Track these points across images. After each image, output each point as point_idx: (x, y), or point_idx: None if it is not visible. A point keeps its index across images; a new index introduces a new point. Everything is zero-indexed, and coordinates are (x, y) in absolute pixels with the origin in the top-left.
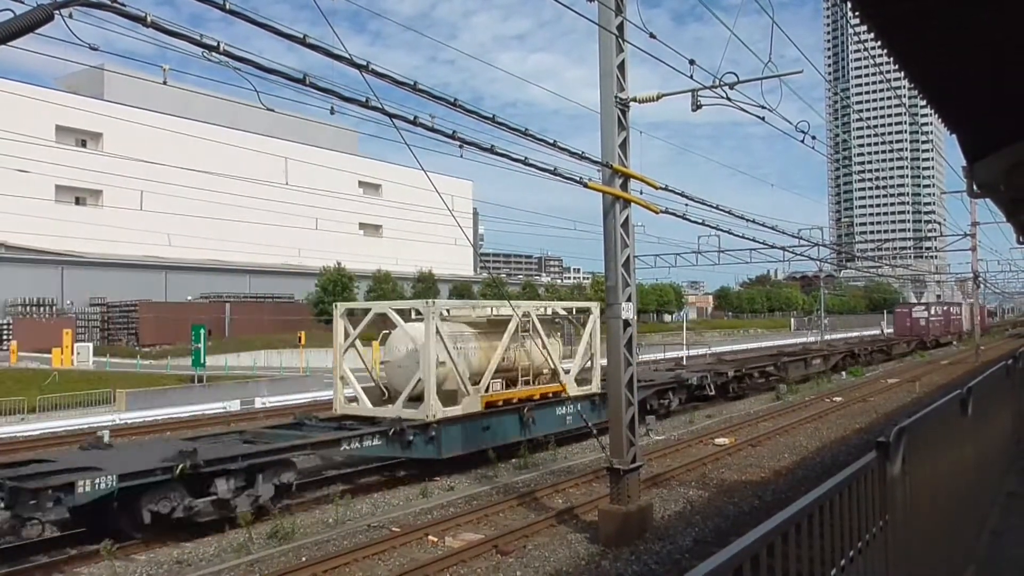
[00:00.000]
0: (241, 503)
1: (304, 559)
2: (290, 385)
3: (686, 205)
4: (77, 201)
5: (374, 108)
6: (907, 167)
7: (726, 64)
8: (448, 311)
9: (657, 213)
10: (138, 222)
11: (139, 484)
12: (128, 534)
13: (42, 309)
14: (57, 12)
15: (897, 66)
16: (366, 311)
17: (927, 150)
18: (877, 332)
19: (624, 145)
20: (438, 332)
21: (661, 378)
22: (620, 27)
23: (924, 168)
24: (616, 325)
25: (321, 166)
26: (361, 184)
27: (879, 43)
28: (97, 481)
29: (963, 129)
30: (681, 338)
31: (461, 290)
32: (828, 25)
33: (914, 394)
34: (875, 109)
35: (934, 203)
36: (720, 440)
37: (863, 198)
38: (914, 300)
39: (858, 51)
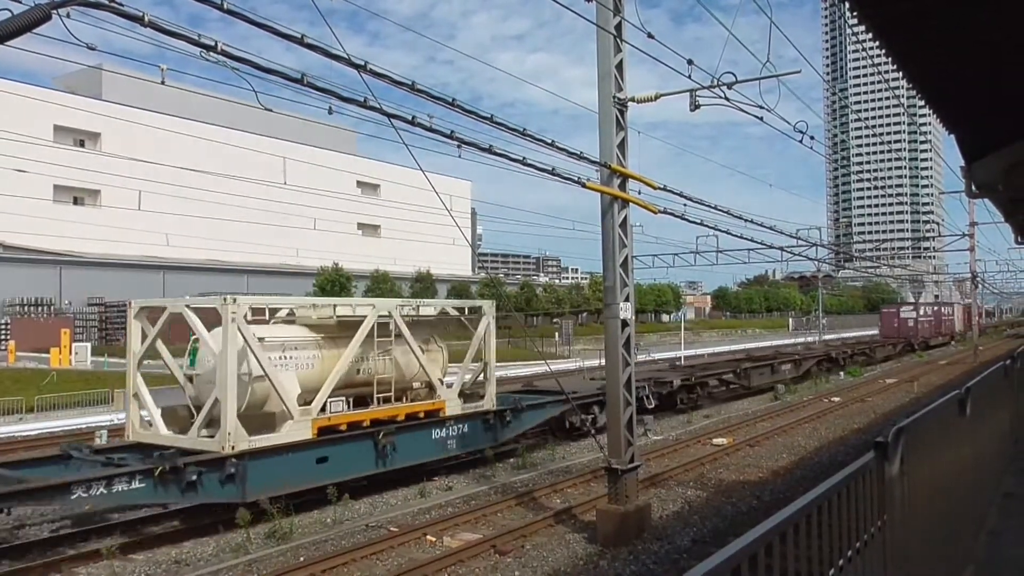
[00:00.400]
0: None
1: (302, 559)
2: None
3: (684, 205)
4: (75, 201)
5: (372, 108)
6: (905, 167)
7: (724, 64)
8: (272, 311)
9: (655, 213)
10: (136, 222)
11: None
12: None
13: (40, 309)
14: (55, 12)
15: (896, 66)
16: (163, 309)
17: (925, 150)
18: (875, 332)
19: (622, 145)
20: (245, 338)
21: (585, 389)
22: (618, 27)
23: (922, 168)
24: (614, 325)
25: (319, 166)
26: (359, 184)
27: (877, 43)
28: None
29: (962, 129)
30: (679, 338)
31: (459, 290)
32: (826, 25)
33: (912, 394)
34: (873, 109)
35: (932, 203)
36: (718, 440)
37: (861, 198)
38: (912, 300)
39: (856, 51)
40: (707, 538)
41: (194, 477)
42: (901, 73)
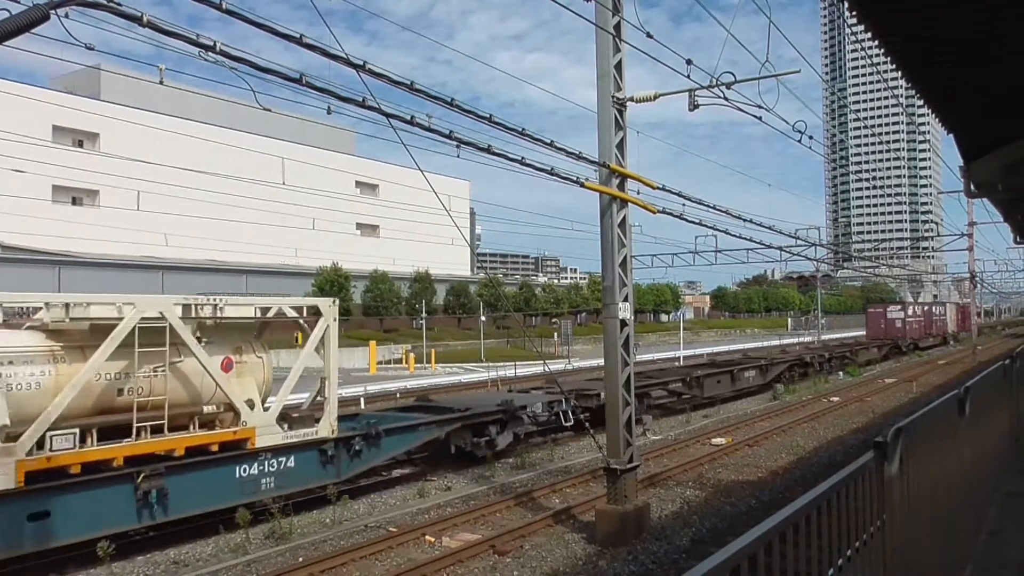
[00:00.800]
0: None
1: (301, 559)
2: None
3: (683, 205)
4: (74, 201)
5: (371, 108)
6: (904, 167)
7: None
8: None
9: (654, 213)
10: (135, 222)
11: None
12: None
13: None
14: (53, 12)
15: (895, 66)
16: None
17: (924, 150)
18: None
19: (621, 145)
20: None
21: (482, 405)
22: (617, 27)
23: (921, 168)
24: (613, 325)
25: (318, 166)
26: (358, 184)
27: (876, 43)
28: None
29: (960, 129)
30: (678, 338)
31: (458, 290)
32: (825, 25)
33: (911, 394)
34: (872, 109)
35: (931, 203)
36: (717, 440)
37: (860, 198)
38: (911, 299)
39: (855, 51)
40: (706, 538)
41: None
42: (900, 73)
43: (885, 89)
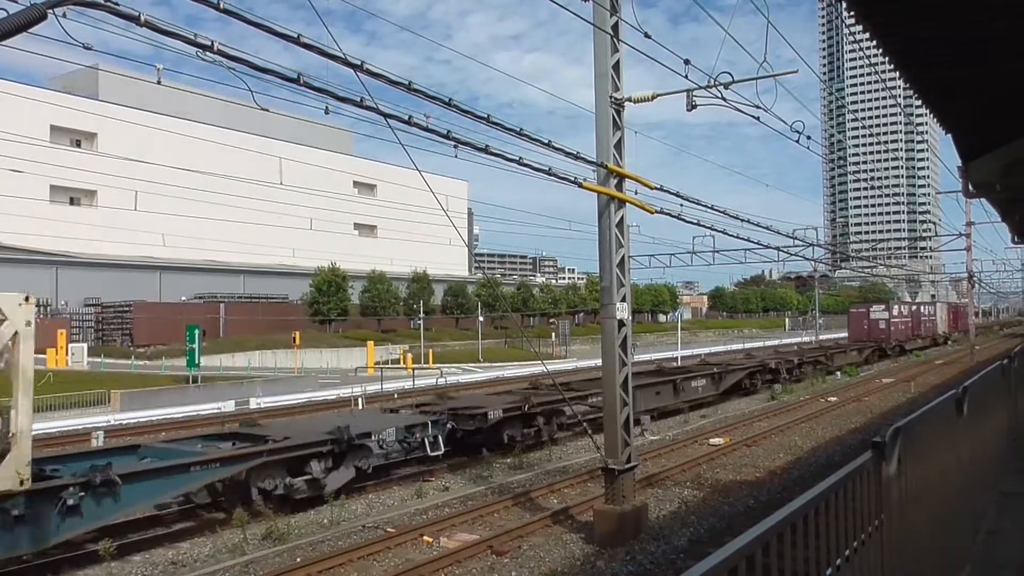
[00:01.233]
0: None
1: (299, 559)
2: (285, 385)
3: (681, 205)
4: (72, 201)
5: (369, 108)
6: (902, 167)
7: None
8: None
9: (652, 213)
10: (132, 222)
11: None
12: None
13: (36, 309)
14: (50, 11)
15: (893, 66)
16: None
17: (922, 150)
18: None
19: (619, 145)
20: None
21: (311, 432)
22: (615, 27)
23: (919, 168)
24: (611, 325)
25: (316, 166)
26: (356, 184)
27: (875, 43)
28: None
29: (958, 129)
30: (676, 338)
31: (456, 290)
32: (823, 25)
33: (909, 394)
34: (870, 109)
35: (929, 203)
36: (715, 440)
37: (858, 198)
38: (909, 299)
39: (853, 51)
40: (704, 538)
41: None
42: (898, 73)
43: (883, 89)
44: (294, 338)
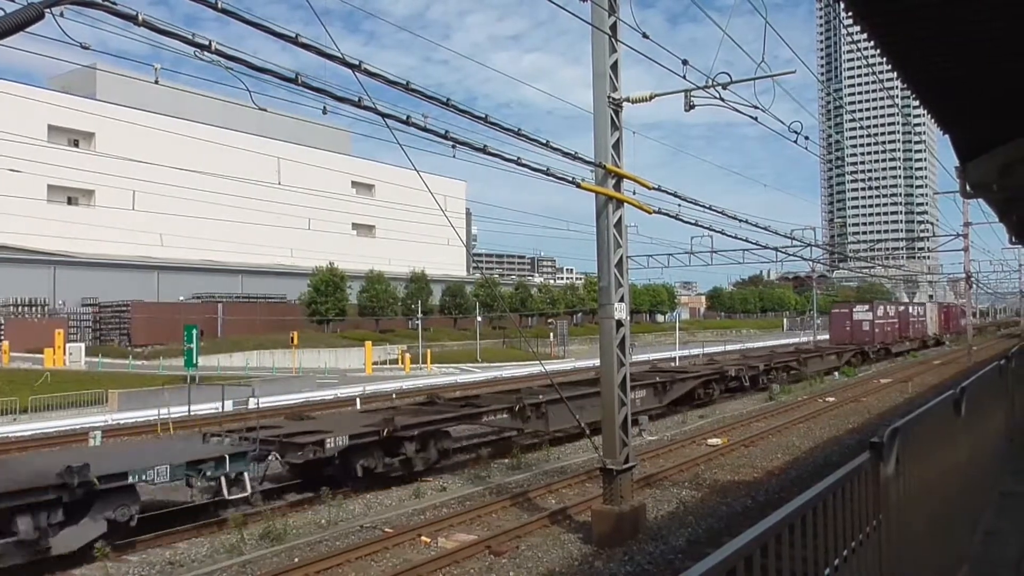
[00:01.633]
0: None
1: (297, 560)
2: (283, 385)
3: (679, 205)
4: (69, 201)
5: (367, 108)
6: (900, 167)
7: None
8: None
9: (650, 213)
10: (130, 222)
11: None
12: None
13: (34, 309)
14: (48, 11)
15: (890, 66)
16: None
17: (920, 150)
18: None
19: (617, 145)
20: None
21: (26, 473)
22: (613, 27)
23: (917, 168)
24: (609, 325)
25: (314, 166)
26: (354, 184)
27: (872, 43)
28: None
29: (956, 129)
30: (674, 338)
31: (454, 290)
32: (821, 26)
33: (907, 394)
34: (868, 110)
35: (927, 203)
36: (713, 440)
37: (856, 198)
38: (906, 300)
39: (851, 51)
40: (702, 539)
41: None
42: (896, 74)
43: (881, 90)
44: (292, 338)
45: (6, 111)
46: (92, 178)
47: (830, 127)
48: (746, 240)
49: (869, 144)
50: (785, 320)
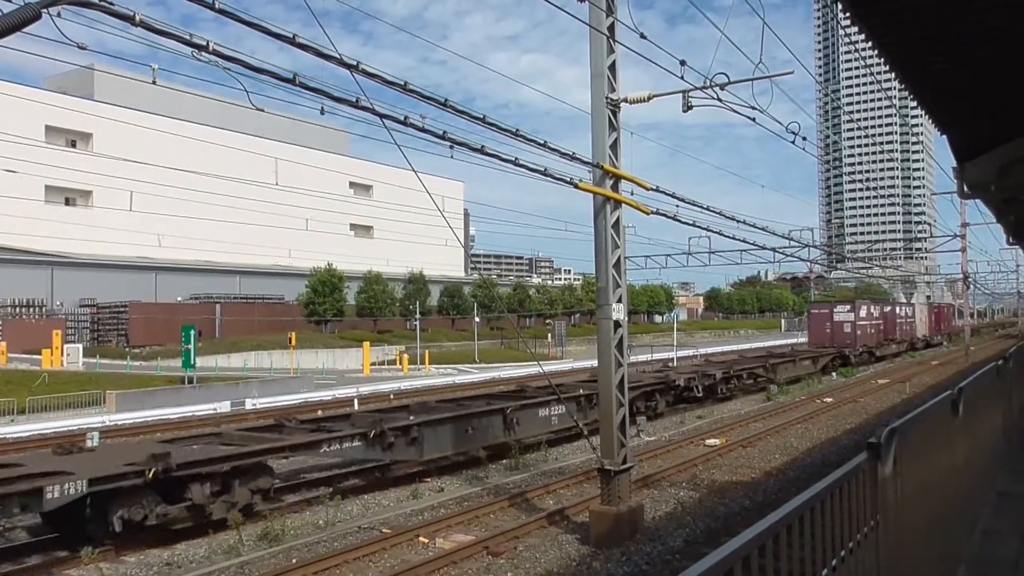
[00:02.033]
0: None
1: (295, 560)
2: (281, 386)
3: (677, 206)
4: (67, 202)
5: (364, 108)
6: (897, 168)
7: (717, 65)
8: None
9: (648, 214)
10: (128, 223)
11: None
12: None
13: (31, 310)
14: (45, 11)
15: (888, 67)
16: None
17: (917, 151)
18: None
19: (615, 146)
20: None
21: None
22: (611, 28)
23: (914, 169)
24: (607, 326)
25: (312, 167)
26: (352, 185)
27: (870, 44)
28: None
29: (954, 130)
30: (672, 339)
31: (452, 291)
32: (819, 26)
33: (904, 395)
34: (866, 110)
35: (924, 204)
36: (711, 441)
37: (854, 199)
38: (904, 300)
39: (849, 52)
40: (700, 539)
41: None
42: (894, 74)
43: (879, 90)
44: (290, 339)
45: (3, 112)
46: (90, 179)
47: (828, 128)
48: (744, 241)
49: (867, 145)
50: (783, 321)
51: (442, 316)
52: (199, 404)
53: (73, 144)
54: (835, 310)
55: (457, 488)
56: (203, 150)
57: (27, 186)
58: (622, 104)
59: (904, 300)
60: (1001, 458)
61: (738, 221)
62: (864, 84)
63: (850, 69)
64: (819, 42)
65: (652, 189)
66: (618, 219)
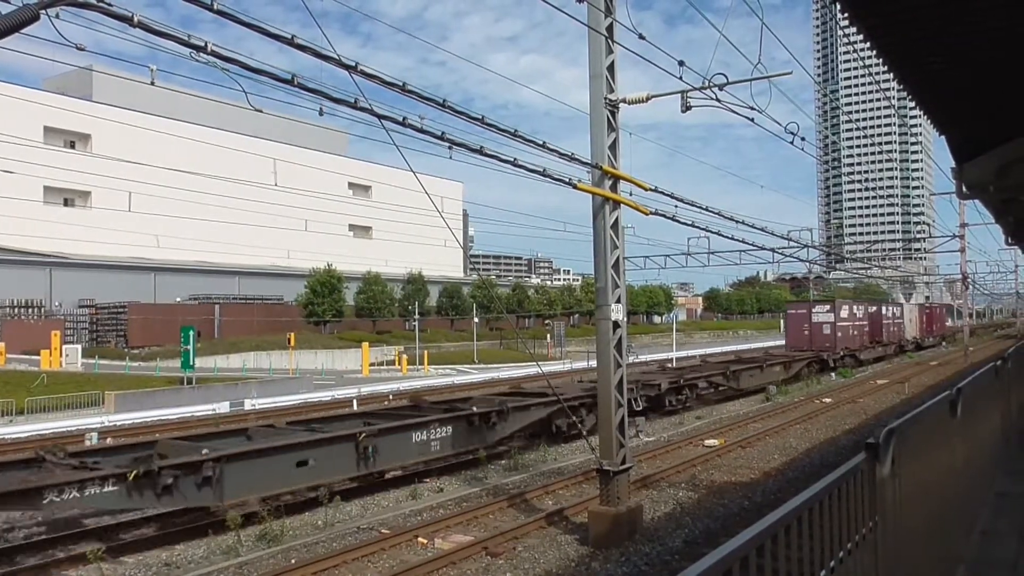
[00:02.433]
0: None
1: (294, 561)
2: (280, 387)
3: (676, 207)
4: (65, 202)
5: (363, 109)
6: (896, 168)
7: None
8: None
9: (647, 214)
10: (127, 223)
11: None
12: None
13: (30, 311)
14: (43, 12)
15: (887, 68)
16: None
17: (916, 152)
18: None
19: (614, 146)
20: None
21: None
22: (610, 28)
23: (913, 170)
24: (606, 326)
25: (310, 167)
26: (351, 185)
27: (869, 45)
28: None
29: (952, 130)
30: (671, 339)
31: (451, 292)
32: (818, 27)
33: (903, 395)
34: (865, 111)
35: (923, 204)
36: (710, 441)
37: (852, 199)
38: (903, 301)
39: (847, 52)
40: (699, 539)
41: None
42: (892, 75)
43: (877, 91)
44: (289, 339)
45: (2, 112)
46: (88, 179)
47: (827, 128)
48: (743, 241)
49: (866, 145)
50: (782, 321)
51: (441, 317)
52: (198, 405)
53: (72, 145)
54: (813, 310)
55: (456, 488)
56: (202, 151)
57: (26, 187)
58: (621, 104)
59: (903, 300)
60: (1000, 459)
61: (737, 221)
62: (863, 84)
63: (849, 69)
64: (818, 42)
65: (651, 189)
66: (617, 219)
